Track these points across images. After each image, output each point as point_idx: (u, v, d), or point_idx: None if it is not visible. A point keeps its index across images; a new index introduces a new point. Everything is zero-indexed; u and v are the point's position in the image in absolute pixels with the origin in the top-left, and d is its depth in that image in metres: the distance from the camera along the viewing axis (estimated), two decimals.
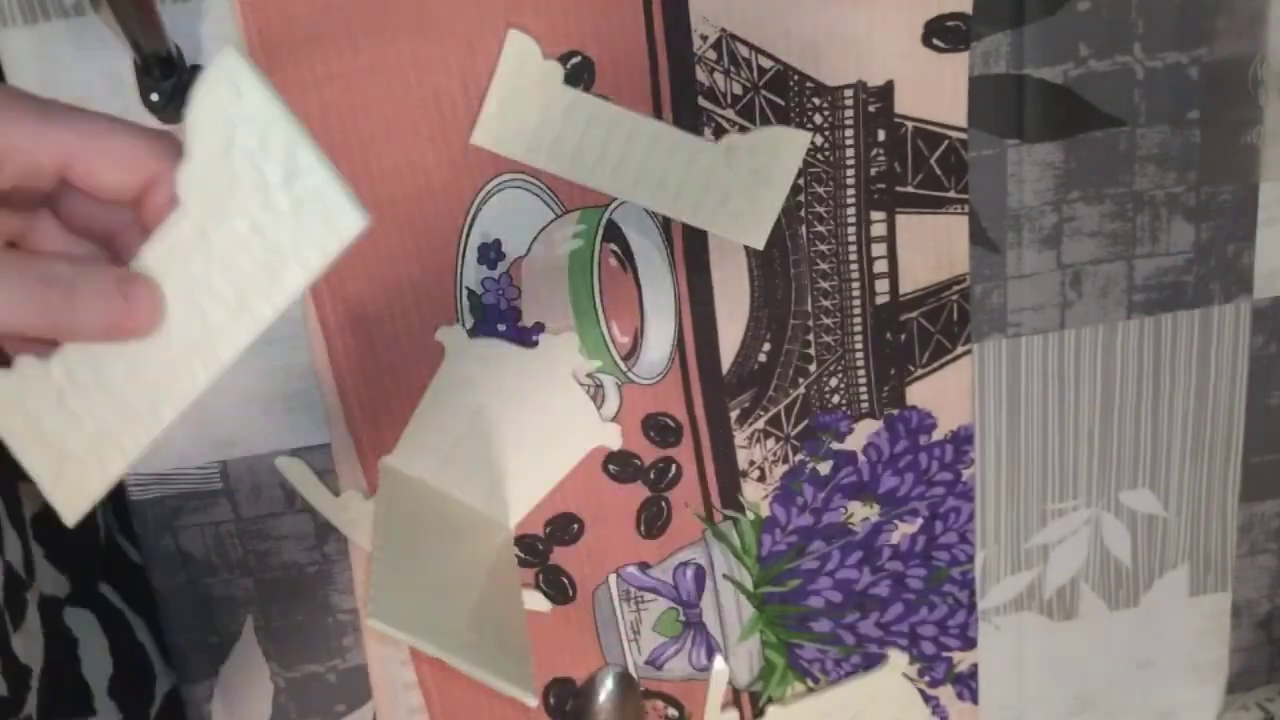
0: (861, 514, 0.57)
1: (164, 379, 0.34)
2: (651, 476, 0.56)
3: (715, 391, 0.55)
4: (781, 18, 0.50)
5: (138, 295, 0.32)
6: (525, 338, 0.53)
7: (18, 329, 0.31)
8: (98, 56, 0.48)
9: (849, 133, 0.52)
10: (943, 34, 0.51)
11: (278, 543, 0.55)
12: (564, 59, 0.50)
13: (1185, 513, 0.60)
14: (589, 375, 0.54)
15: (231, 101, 0.32)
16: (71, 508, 0.35)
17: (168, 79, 0.46)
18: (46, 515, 0.49)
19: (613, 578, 0.57)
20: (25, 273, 0.31)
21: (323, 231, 0.32)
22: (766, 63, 0.51)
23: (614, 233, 0.52)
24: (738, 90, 0.51)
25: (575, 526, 0.56)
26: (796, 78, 0.51)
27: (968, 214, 0.54)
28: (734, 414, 0.55)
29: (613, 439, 0.55)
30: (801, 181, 0.53)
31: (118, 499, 0.56)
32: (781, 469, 0.56)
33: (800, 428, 0.56)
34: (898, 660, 0.60)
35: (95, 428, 0.34)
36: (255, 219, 0.32)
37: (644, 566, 0.57)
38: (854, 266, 0.54)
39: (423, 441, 0.53)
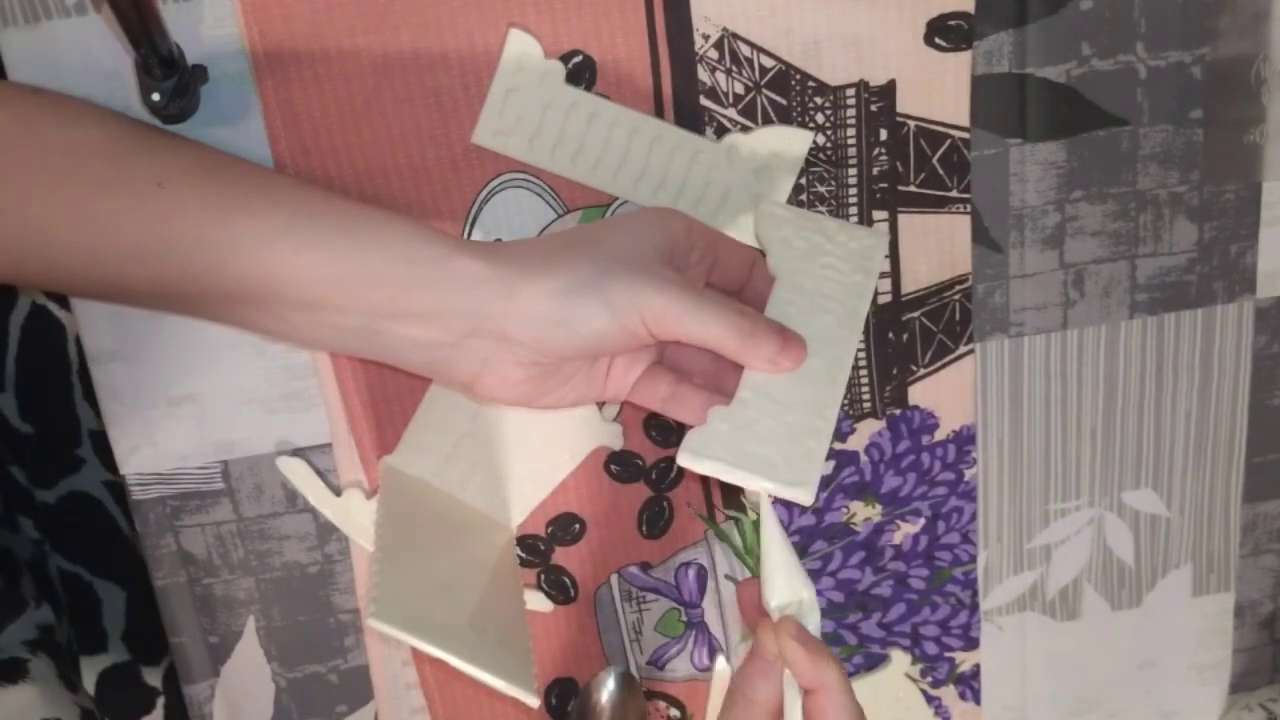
0: (863, 514, 0.57)
1: (813, 395, 0.46)
2: (653, 476, 0.56)
3: None
4: (783, 17, 0.50)
5: (791, 341, 0.46)
6: None
7: (720, 347, 0.45)
8: (98, 56, 0.48)
9: (851, 132, 0.52)
10: (945, 33, 0.51)
11: (279, 543, 0.55)
12: (565, 58, 0.50)
13: (1188, 513, 0.60)
14: None
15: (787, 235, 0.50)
16: (804, 484, 0.44)
17: (169, 79, 0.46)
18: None
19: (614, 578, 0.57)
20: (729, 307, 0.44)
21: (867, 258, 0.49)
22: (768, 62, 0.51)
23: None
24: (739, 89, 0.51)
25: (577, 526, 0.56)
26: (798, 77, 0.51)
27: (970, 213, 0.54)
28: None
29: (614, 439, 0.55)
30: (804, 181, 0.52)
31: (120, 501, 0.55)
32: None
33: None
34: (900, 661, 0.60)
35: (786, 432, 0.45)
36: (826, 260, 0.49)
37: (646, 566, 0.57)
38: None
39: (424, 441, 0.53)
